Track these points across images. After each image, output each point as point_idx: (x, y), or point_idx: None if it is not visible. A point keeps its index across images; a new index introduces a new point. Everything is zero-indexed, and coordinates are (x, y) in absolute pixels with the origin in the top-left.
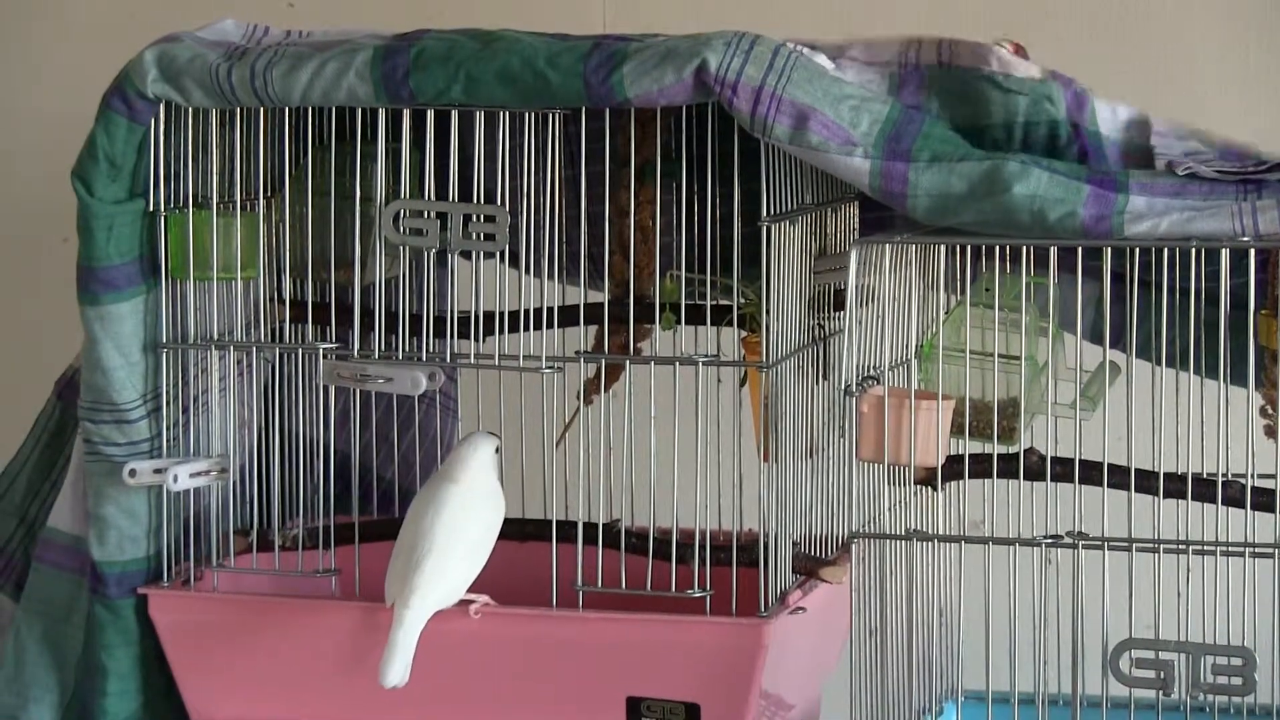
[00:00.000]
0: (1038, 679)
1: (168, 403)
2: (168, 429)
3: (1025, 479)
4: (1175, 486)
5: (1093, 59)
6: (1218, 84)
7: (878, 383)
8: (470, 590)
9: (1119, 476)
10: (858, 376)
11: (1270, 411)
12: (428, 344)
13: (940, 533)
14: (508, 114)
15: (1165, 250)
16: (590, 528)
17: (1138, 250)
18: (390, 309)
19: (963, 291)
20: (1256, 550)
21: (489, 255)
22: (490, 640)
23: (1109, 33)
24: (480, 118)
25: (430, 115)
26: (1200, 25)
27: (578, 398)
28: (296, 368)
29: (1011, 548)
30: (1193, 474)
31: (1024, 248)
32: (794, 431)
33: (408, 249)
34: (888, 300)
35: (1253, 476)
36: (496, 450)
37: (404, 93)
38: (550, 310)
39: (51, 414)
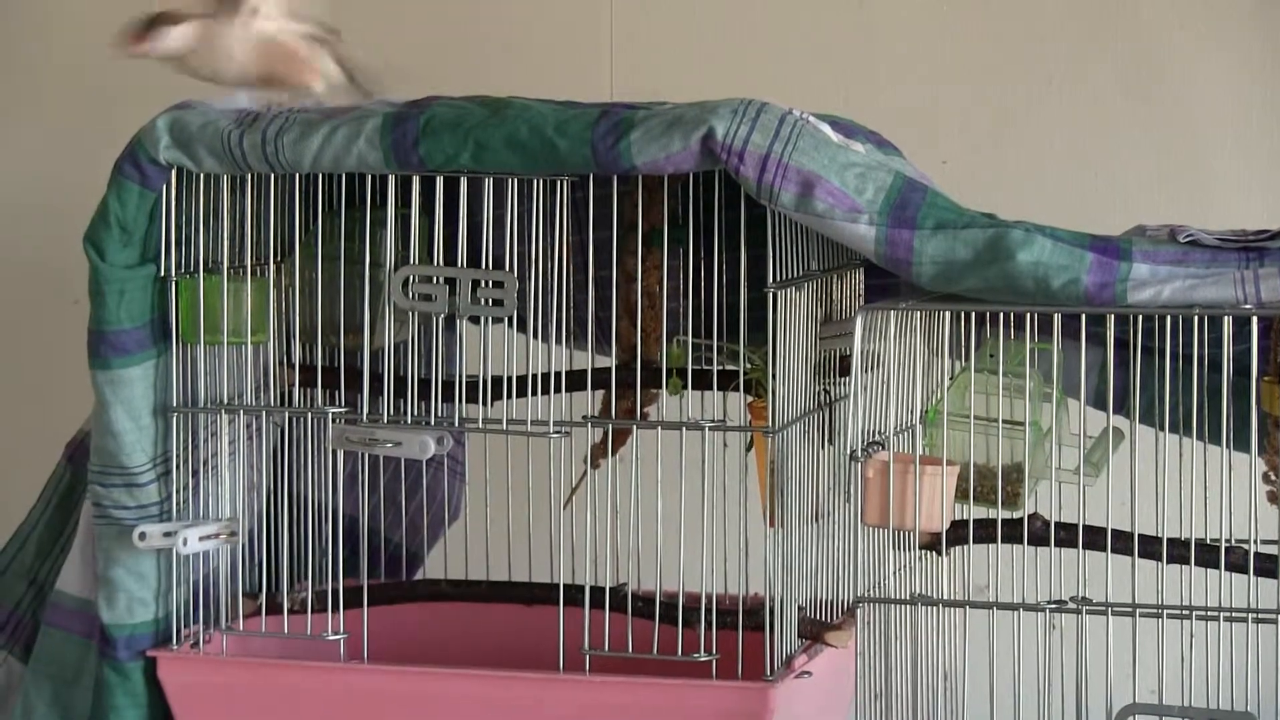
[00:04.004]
0: None
1: (177, 466)
2: (177, 492)
3: (1029, 544)
4: (1179, 552)
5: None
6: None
7: (883, 448)
8: None
9: (1123, 542)
10: (863, 441)
11: (1273, 478)
12: (436, 408)
13: (945, 597)
14: (516, 180)
15: (1168, 317)
16: (597, 591)
17: (1140, 317)
18: (399, 373)
19: (967, 357)
20: (1260, 616)
21: (497, 320)
22: (498, 703)
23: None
24: (489, 184)
25: (439, 181)
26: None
27: (585, 462)
28: (305, 432)
29: (1016, 612)
30: (1196, 539)
31: (1028, 314)
32: (799, 496)
33: (416, 314)
34: (893, 366)
35: (1256, 542)
36: None
37: (413, 159)
38: (558, 375)
39: (62, 477)
